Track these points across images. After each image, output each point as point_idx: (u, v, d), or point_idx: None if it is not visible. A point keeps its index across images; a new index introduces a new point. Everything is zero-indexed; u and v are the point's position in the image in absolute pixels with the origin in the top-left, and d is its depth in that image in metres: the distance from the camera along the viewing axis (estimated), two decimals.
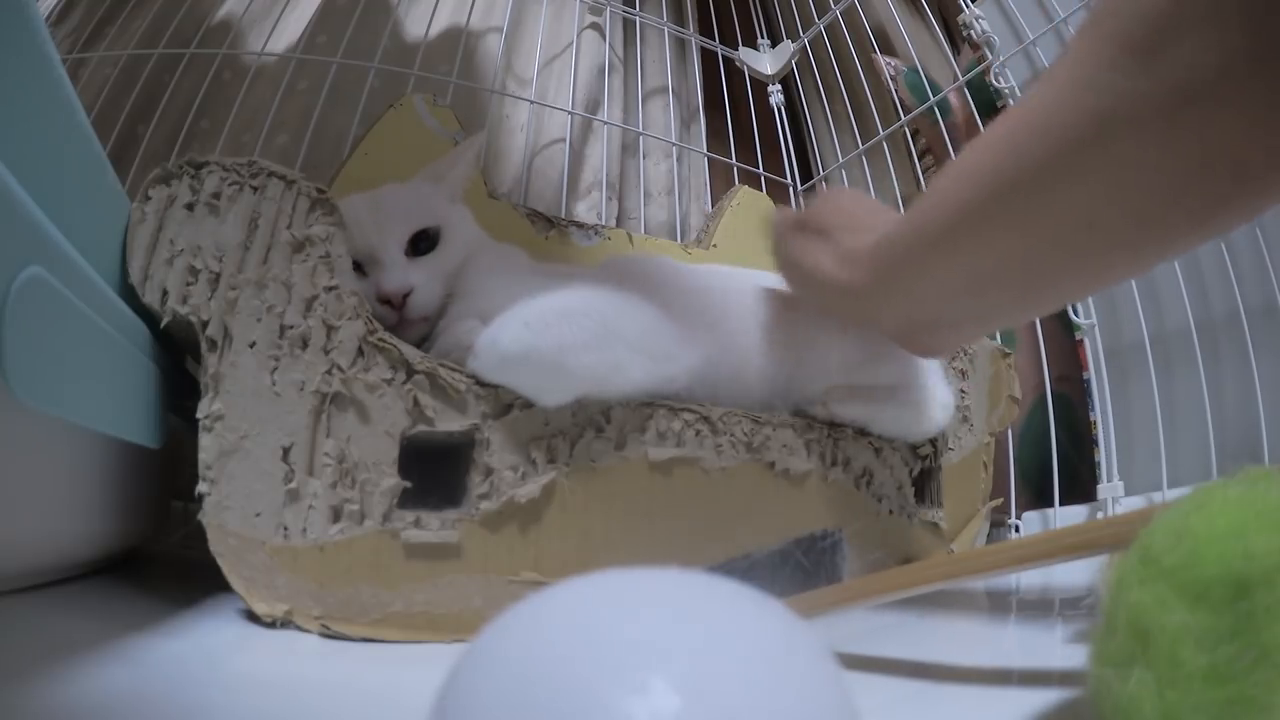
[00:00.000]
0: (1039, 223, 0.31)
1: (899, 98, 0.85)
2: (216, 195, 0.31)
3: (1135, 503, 0.60)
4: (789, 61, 0.96)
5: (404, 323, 0.41)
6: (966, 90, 0.76)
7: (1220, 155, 0.25)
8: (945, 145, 0.78)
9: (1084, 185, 0.28)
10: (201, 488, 0.29)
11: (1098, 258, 0.31)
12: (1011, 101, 0.73)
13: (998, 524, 0.64)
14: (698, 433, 0.39)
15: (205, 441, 0.29)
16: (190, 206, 0.31)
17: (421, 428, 0.33)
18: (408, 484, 0.32)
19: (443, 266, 0.44)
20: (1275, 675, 0.14)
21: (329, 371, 0.31)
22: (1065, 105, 0.28)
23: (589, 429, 0.36)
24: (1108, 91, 0.26)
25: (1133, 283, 0.62)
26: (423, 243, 0.45)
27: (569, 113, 0.82)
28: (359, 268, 0.43)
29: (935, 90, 0.79)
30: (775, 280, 0.47)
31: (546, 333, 0.34)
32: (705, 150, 0.95)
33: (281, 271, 0.32)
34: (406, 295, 0.41)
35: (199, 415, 0.30)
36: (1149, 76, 0.25)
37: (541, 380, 0.34)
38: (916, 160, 0.84)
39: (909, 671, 0.28)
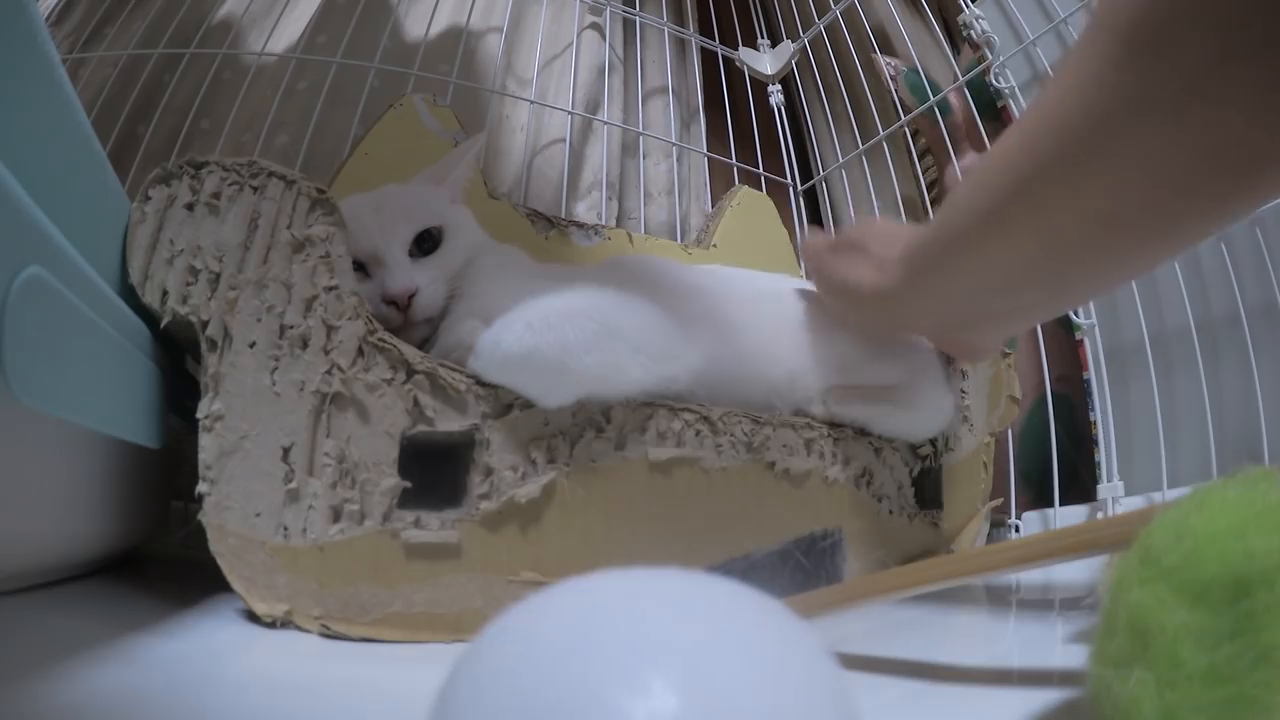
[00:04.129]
0: (1056, 220, 0.31)
1: (899, 98, 0.85)
2: (216, 195, 0.31)
3: (1135, 503, 0.60)
4: (789, 61, 0.96)
5: (408, 324, 0.41)
6: (966, 90, 0.76)
7: (1228, 147, 0.26)
8: (945, 145, 0.78)
9: (1095, 182, 0.29)
10: (201, 488, 0.29)
11: (1115, 251, 0.32)
12: (1011, 102, 0.73)
13: (998, 524, 0.64)
14: (698, 433, 0.39)
15: (205, 441, 0.29)
16: (190, 206, 0.31)
17: (421, 428, 0.33)
18: (408, 484, 0.32)
19: (446, 267, 0.44)
20: (1275, 675, 0.14)
21: (329, 371, 0.31)
22: (1073, 104, 0.29)
23: (589, 429, 0.36)
24: (1113, 89, 0.27)
25: (1133, 282, 0.62)
26: (426, 243, 0.44)
27: (569, 113, 0.82)
28: (361, 269, 0.43)
29: (935, 90, 0.79)
30: (783, 281, 0.50)
31: (549, 334, 0.34)
32: (705, 150, 0.95)
33: (281, 271, 0.32)
34: (412, 296, 0.41)
35: (199, 415, 0.30)
36: (1154, 72, 0.26)
37: (544, 381, 0.34)
38: (916, 160, 0.84)
39: (909, 671, 0.28)
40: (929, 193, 0.83)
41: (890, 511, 0.48)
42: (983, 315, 0.40)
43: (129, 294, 0.30)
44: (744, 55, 0.97)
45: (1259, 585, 0.15)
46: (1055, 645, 0.34)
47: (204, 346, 0.30)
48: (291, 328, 0.31)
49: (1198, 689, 0.15)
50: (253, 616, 0.29)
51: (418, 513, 0.32)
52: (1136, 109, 0.27)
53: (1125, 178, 0.28)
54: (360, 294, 0.33)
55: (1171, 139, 0.27)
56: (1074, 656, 0.28)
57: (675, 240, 0.80)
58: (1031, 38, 0.71)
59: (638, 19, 0.93)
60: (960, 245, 0.36)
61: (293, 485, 0.30)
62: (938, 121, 0.79)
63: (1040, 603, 0.47)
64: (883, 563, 0.48)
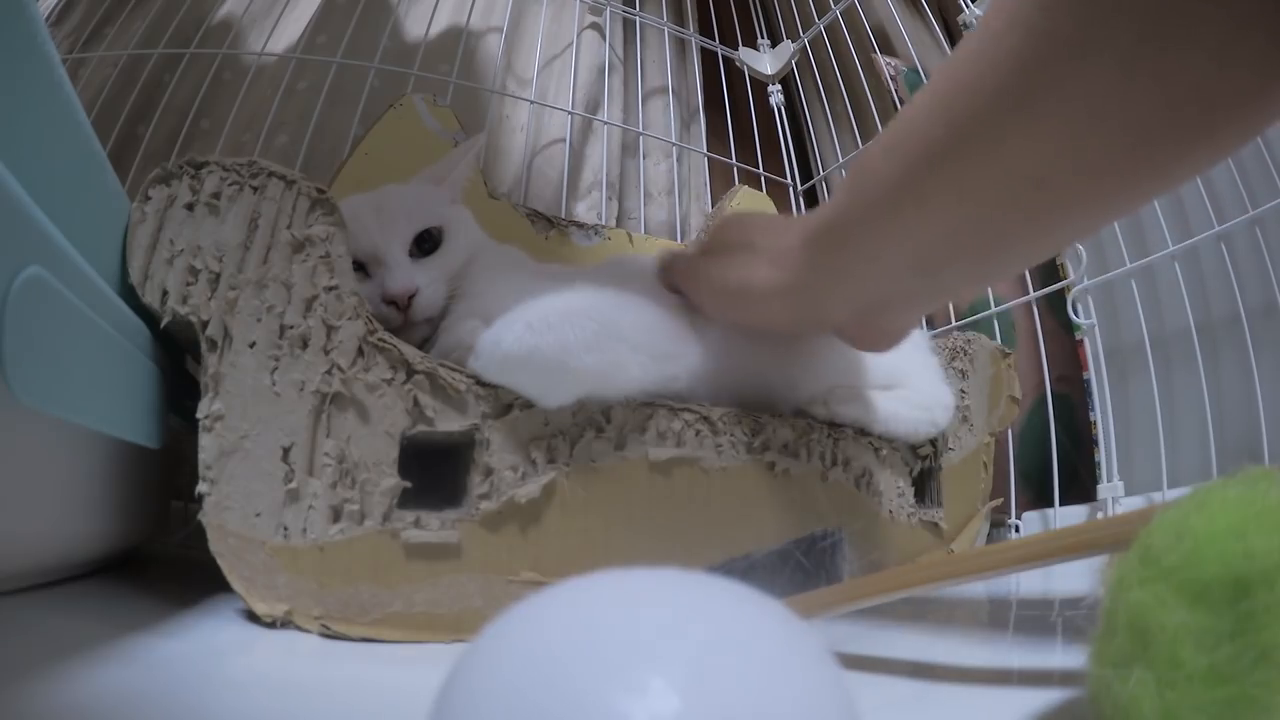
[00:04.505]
0: (982, 186, 0.28)
1: (899, 98, 0.85)
2: (216, 195, 0.31)
3: (1135, 503, 0.60)
4: (789, 61, 0.96)
5: (408, 324, 0.41)
6: None
7: (1188, 92, 0.23)
8: None
9: (1029, 139, 0.26)
10: (201, 488, 0.29)
11: (1052, 217, 0.29)
12: None
13: (998, 524, 0.64)
14: (698, 433, 0.39)
15: (205, 441, 0.29)
16: (190, 206, 0.31)
17: (421, 428, 0.33)
18: (408, 484, 0.32)
19: (446, 267, 0.44)
20: (1275, 675, 0.14)
21: (329, 371, 0.31)
22: (995, 55, 0.26)
23: (589, 429, 0.36)
24: (1043, 36, 0.24)
25: (1132, 282, 0.62)
26: (426, 243, 0.44)
27: (569, 113, 0.82)
28: (362, 269, 0.43)
29: None
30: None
31: (548, 333, 0.34)
32: (705, 150, 0.95)
33: (281, 271, 0.32)
34: (412, 296, 0.41)
35: (199, 415, 0.30)
36: (1094, 12, 0.23)
37: (544, 381, 0.34)
38: None
39: (909, 671, 0.28)
40: None
41: (890, 511, 0.48)
42: (903, 296, 0.35)
43: (129, 294, 0.30)
44: (744, 55, 0.97)
45: (1259, 585, 0.15)
46: (1055, 645, 0.34)
47: (204, 346, 0.30)
48: (291, 328, 0.31)
49: (1198, 689, 0.15)
50: (253, 616, 0.29)
51: (418, 513, 0.32)
52: (1071, 56, 0.24)
53: (1064, 135, 0.25)
54: (360, 294, 0.33)
55: (1116, 89, 0.23)
56: (1074, 656, 0.28)
57: (675, 240, 0.80)
58: None
59: (638, 19, 0.93)
60: (872, 219, 0.32)
61: (293, 485, 0.30)
62: None
63: (1040, 603, 0.47)
64: (882, 563, 0.48)
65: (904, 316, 0.38)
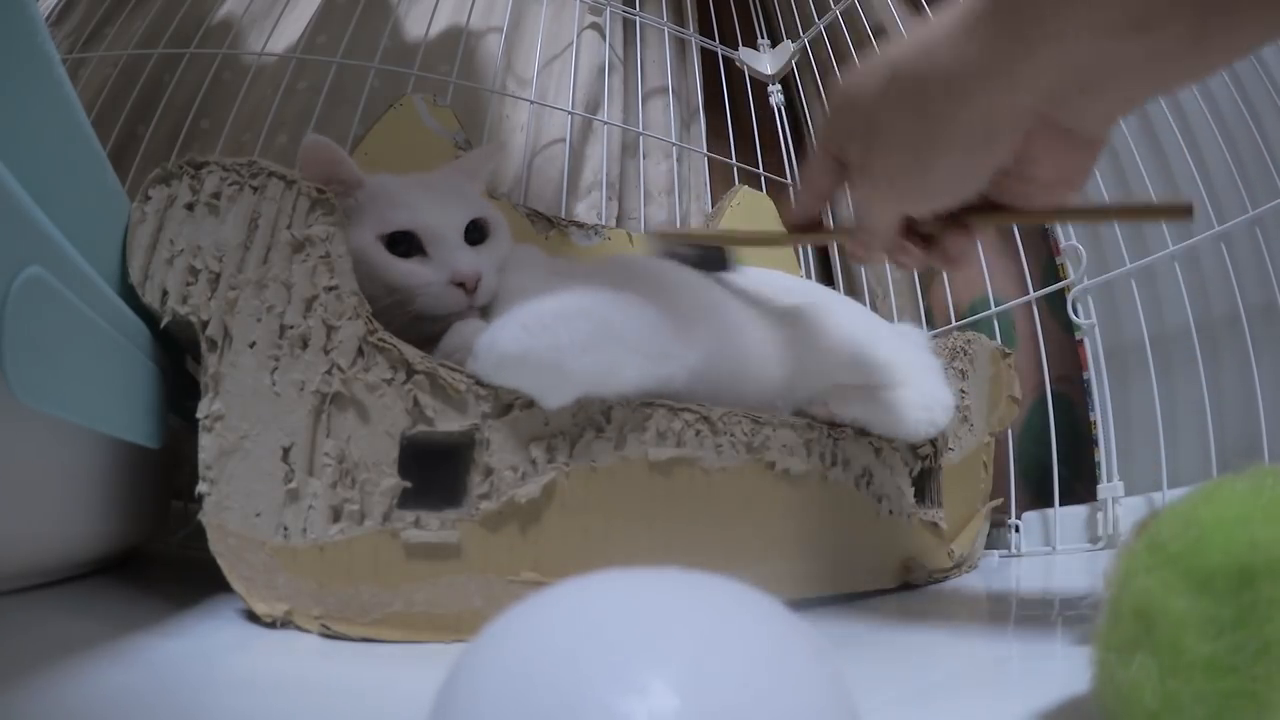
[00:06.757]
0: None
1: None
2: (216, 195, 0.31)
3: (1135, 503, 0.60)
4: (789, 61, 0.96)
5: (471, 308, 0.40)
6: None
7: None
8: None
9: None
10: (201, 488, 0.29)
11: None
12: None
13: (997, 524, 0.64)
14: (698, 433, 0.39)
15: (205, 441, 0.29)
16: (190, 206, 0.31)
17: (421, 428, 0.33)
18: (408, 484, 0.32)
19: (497, 257, 0.44)
20: (1276, 670, 0.14)
21: (329, 371, 0.31)
22: None
23: (589, 429, 0.36)
24: None
25: (1132, 282, 0.62)
26: (473, 233, 0.44)
27: (569, 113, 0.82)
28: (414, 251, 0.41)
29: None
30: (785, 280, 0.43)
31: (544, 334, 0.34)
32: (705, 150, 0.95)
33: (281, 271, 0.32)
34: (479, 280, 0.41)
35: (199, 415, 0.30)
36: None
37: (540, 381, 0.34)
38: None
39: (909, 671, 0.28)
40: None
41: (890, 511, 0.48)
42: (1108, 69, 0.28)
43: (129, 294, 0.30)
44: (744, 55, 0.97)
45: (1263, 576, 0.15)
46: (1055, 645, 0.34)
47: (204, 346, 0.30)
48: (291, 328, 0.31)
49: (1199, 678, 0.15)
50: (253, 616, 0.29)
51: (418, 513, 0.32)
52: None
53: None
54: (359, 294, 0.33)
55: None
56: (1074, 657, 0.28)
57: None
58: None
59: (638, 19, 0.93)
60: None
61: (293, 485, 0.30)
62: None
63: (1040, 603, 0.47)
64: (881, 563, 0.48)
65: (1116, 100, 0.30)
